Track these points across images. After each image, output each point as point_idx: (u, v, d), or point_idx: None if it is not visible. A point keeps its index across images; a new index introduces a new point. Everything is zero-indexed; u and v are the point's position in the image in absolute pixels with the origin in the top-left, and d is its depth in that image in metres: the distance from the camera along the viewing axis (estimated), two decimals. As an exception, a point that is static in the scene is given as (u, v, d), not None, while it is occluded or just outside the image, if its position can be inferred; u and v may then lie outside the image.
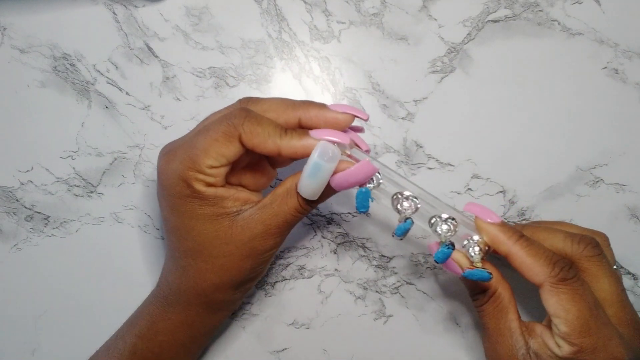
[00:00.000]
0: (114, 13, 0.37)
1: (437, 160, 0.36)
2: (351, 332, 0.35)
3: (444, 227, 0.28)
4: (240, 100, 0.31)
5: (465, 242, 0.29)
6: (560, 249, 0.29)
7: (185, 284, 0.29)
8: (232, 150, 0.27)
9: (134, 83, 0.37)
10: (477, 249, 0.28)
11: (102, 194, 0.36)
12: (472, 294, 0.30)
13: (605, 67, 0.36)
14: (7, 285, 0.36)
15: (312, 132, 0.28)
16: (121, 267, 0.36)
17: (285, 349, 0.36)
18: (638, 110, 0.36)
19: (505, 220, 0.35)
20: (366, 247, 0.36)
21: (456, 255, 0.28)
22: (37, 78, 0.37)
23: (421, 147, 0.36)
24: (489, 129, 0.36)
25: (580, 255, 0.28)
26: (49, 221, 0.36)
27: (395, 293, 0.36)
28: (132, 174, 0.36)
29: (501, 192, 0.36)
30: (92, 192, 0.36)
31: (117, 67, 0.37)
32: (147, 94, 0.36)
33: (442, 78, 0.36)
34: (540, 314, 0.29)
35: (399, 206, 0.29)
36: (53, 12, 0.37)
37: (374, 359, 0.35)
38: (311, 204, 0.29)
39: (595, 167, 0.36)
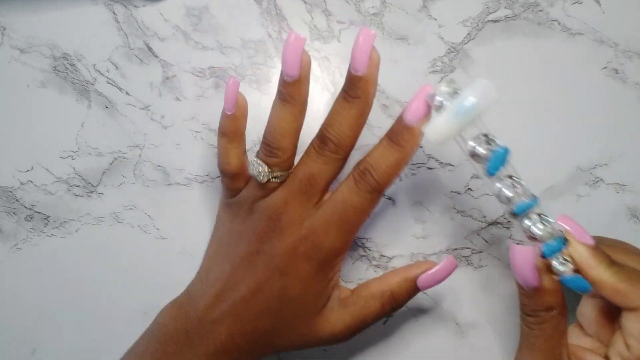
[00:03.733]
0: (114, 13, 0.37)
1: (437, 160, 0.36)
2: (351, 332, 0.35)
3: (540, 225, 0.26)
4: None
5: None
6: None
7: (260, 343, 0.30)
8: (375, 207, 0.30)
9: (134, 83, 0.37)
10: (561, 259, 0.26)
11: (102, 194, 0.36)
12: (531, 310, 0.27)
13: (605, 67, 0.36)
14: (7, 285, 0.36)
15: (408, 117, 0.28)
16: (121, 267, 0.36)
17: (285, 349, 0.36)
18: (638, 110, 0.36)
19: (506, 221, 0.35)
20: (366, 247, 0.36)
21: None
22: (37, 78, 0.37)
23: (421, 147, 0.36)
24: (488, 129, 0.36)
25: None
26: (49, 221, 0.36)
27: (395, 293, 0.36)
28: (132, 174, 0.36)
29: (501, 192, 0.36)
30: (92, 192, 0.36)
31: (117, 67, 0.37)
32: (147, 94, 0.36)
33: (442, 78, 0.36)
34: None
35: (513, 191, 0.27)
36: (53, 12, 0.37)
37: (374, 359, 0.35)
38: (393, 308, 0.30)
39: (595, 167, 0.36)
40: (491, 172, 0.27)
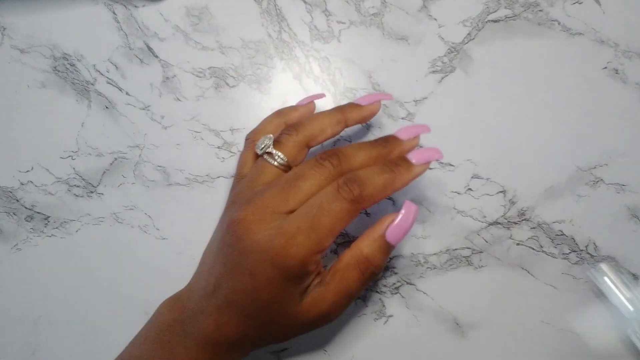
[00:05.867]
0: (114, 13, 0.37)
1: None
2: (351, 332, 0.35)
3: None
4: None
5: None
6: None
7: (247, 337, 0.30)
8: (351, 222, 0.28)
9: (134, 83, 0.37)
10: None
11: (102, 194, 0.36)
12: None
13: (605, 67, 0.36)
14: (7, 286, 0.36)
15: (413, 158, 0.29)
16: (121, 267, 0.36)
17: (285, 349, 0.36)
18: (638, 110, 0.36)
19: (506, 221, 0.35)
20: (366, 247, 0.36)
21: None
22: (37, 78, 0.37)
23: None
24: (489, 129, 0.36)
25: None
26: (49, 221, 0.36)
27: (395, 293, 0.36)
28: (132, 174, 0.36)
29: (501, 192, 0.36)
30: (92, 192, 0.36)
31: (117, 67, 0.37)
32: (147, 94, 0.36)
33: (442, 78, 0.36)
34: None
35: None
36: (53, 12, 0.37)
37: (374, 359, 0.35)
38: (373, 272, 0.29)
39: (595, 167, 0.36)
40: None
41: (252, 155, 0.33)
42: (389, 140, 0.30)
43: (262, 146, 0.31)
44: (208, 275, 0.31)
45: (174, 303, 0.32)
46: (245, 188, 0.31)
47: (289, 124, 0.33)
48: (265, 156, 0.31)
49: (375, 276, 0.30)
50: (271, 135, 0.31)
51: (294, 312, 0.29)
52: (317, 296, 0.29)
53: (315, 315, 0.29)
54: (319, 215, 0.28)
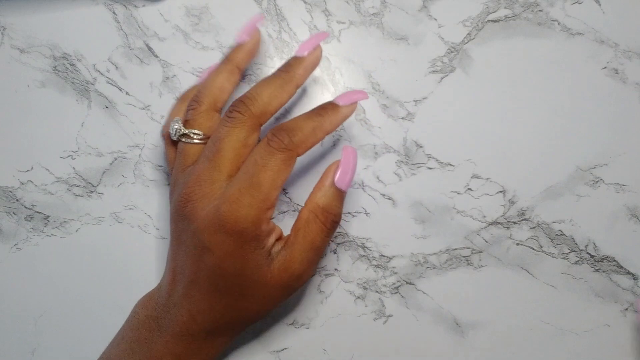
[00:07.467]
0: (114, 13, 0.37)
1: (437, 160, 0.36)
2: (351, 332, 0.35)
3: None
4: (237, 106, 0.29)
5: None
6: None
7: (224, 320, 0.30)
8: (290, 171, 0.28)
9: (134, 83, 0.37)
10: None
11: (102, 193, 0.36)
12: None
13: (605, 67, 0.36)
14: (7, 285, 0.36)
15: (340, 100, 0.30)
16: (121, 267, 0.36)
17: (285, 349, 0.36)
18: (638, 110, 0.36)
19: (505, 221, 0.35)
20: (366, 247, 0.36)
21: None
22: (37, 78, 0.37)
23: (421, 147, 0.36)
24: (489, 129, 0.36)
25: None
26: (49, 221, 0.36)
27: (395, 293, 0.36)
28: (132, 174, 0.36)
29: (501, 192, 0.36)
30: (92, 192, 0.36)
31: (117, 67, 0.37)
32: (147, 94, 0.37)
33: (442, 78, 0.36)
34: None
35: None
36: (53, 12, 0.37)
37: (374, 359, 0.35)
38: (333, 221, 0.30)
39: (595, 167, 0.36)
40: None
41: (173, 147, 0.33)
42: (290, 63, 0.31)
43: (175, 131, 0.31)
44: (173, 266, 0.31)
45: (147, 300, 0.32)
46: (179, 175, 0.31)
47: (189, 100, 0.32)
48: (183, 139, 0.31)
49: (336, 225, 0.30)
50: (178, 118, 0.32)
51: (264, 279, 0.29)
52: (285, 258, 0.29)
53: (288, 278, 0.29)
54: (256, 172, 0.28)
